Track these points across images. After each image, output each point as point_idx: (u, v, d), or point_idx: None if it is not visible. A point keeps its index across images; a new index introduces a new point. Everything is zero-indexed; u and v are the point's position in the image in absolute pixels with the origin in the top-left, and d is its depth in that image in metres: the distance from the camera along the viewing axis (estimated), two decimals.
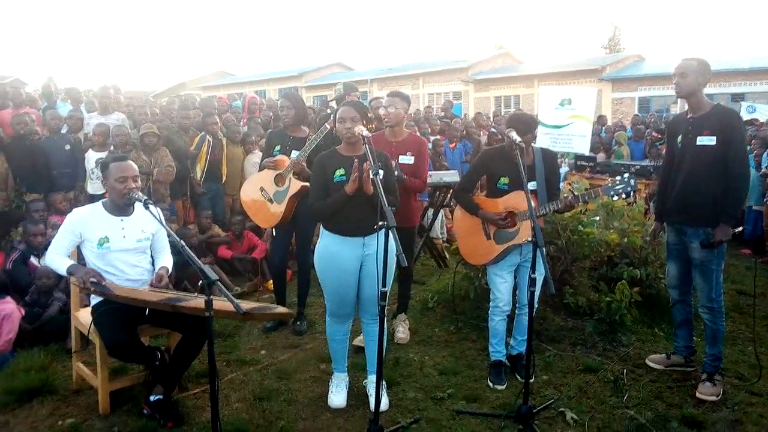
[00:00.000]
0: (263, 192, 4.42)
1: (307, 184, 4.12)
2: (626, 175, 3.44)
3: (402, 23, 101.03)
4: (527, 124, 3.54)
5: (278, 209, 4.33)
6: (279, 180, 4.34)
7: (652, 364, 3.83)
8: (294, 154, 4.28)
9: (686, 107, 3.57)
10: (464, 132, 9.04)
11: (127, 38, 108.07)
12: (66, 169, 5.73)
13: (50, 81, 8.38)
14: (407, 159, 4.05)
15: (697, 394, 3.42)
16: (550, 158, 3.69)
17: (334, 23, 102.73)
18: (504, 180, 3.60)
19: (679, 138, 3.52)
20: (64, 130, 6.13)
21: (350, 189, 3.09)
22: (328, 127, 4.16)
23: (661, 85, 23.38)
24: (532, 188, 3.46)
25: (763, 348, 4.15)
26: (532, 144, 3.66)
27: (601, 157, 9.29)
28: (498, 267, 3.63)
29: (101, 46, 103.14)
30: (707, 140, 3.35)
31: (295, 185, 4.25)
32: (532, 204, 3.14)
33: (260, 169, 4.57)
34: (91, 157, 5.71)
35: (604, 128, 11.86)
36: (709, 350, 3.51)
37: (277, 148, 4.42)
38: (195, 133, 6.33)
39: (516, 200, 3.53)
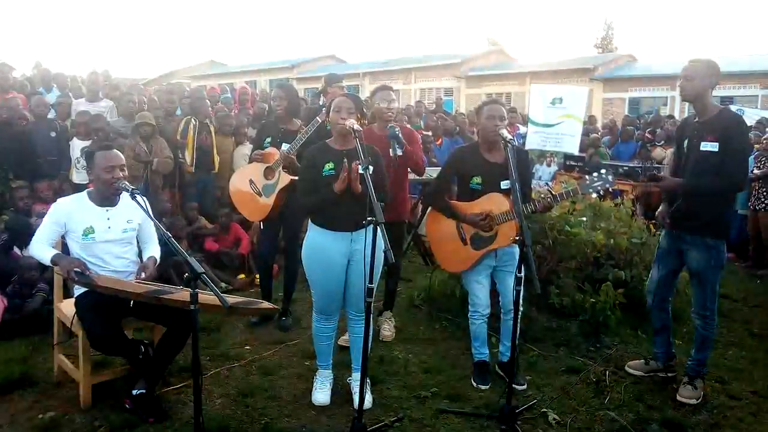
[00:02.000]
0: (252, 185, 4.39)
1: (296, 177, 4.10)
2: (603, 171, 3.34)
3: (396, 16, 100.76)
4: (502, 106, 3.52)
5: (267, 202, 4.30)
6: (268, 173, 4.31)
7: (631, 371, 3.80)
8: (284, 146, 4.25)
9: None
10: (457, 129, 9.07)
11: (116, 24, 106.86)
12: (51, 157, 5.66)
13: (38, 66, 8.26)
14: (397, 151, 4.03)
15: (678, 397, 3.45)
16: (522, 157, 3.58)
17: (328, 15, 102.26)
18: (477, 180, 3.52)
19: (686, 142, 3.43)
20: (51, 116, 6.05)
21: (338, 188, 3.07)
22: (320, 120, 4.15)
23: (652, 86, 23.52)
24: (507, 187, 3.36)
25: (744, 351, 4.21)
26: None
27: (590, 152, 9.34)
28: (475, 272, 3.59)
29: (90, 32, 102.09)
30: (710, 146, 3.23)
31: (284, 179, 4.22)
32: (518, 203, 3.06)
33: (249, 162, 4.54)
34: (76, 146, 5.63)
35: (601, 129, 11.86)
36: (695, 354, 3.53)
37: (268, 140, 4.39)
38: (181, 119, 6.28)
39: (492, 202, 3.46)
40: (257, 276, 5.28)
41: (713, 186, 3.26)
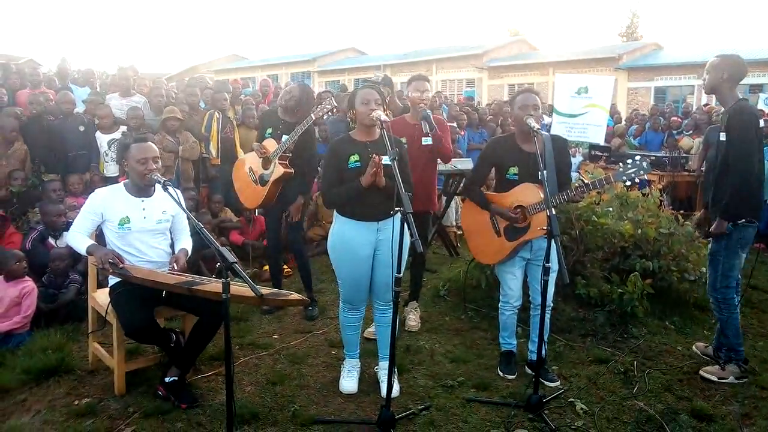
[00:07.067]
0: (251, 172, 4.52)
1: (291, 170, 4.28)
2: (637, 157, 3.28)
3: (417, 7, 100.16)
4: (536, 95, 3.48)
5: (261, 191, 4.42)
6: (266, 163, 4.41)
7: (694, 348, 4.00)
8: (284, 138, 4.32)
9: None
10: (478, 120, 9.02)
11: (139, 20, 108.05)
12: (81, 151, 5.75)
13: (64, 62, 8.34)
14: (428, 140, 4.04)
15: (701, 372, 3.59)
16: (560, 145, 3.55)
17: (348, 7, 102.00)
18: (513, 170, 3.50)
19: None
20: (78, 110, 6.14)
21: (366, 182, 3.08)
22: (314, 117, 4.31)
23: (678, 74, 23.07)
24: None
25: None
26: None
27: (617, 142, 9.22)
28: (509, 264, 3.57)
29: (114, 28, 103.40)
30: (723, 136, 3.43)
31: (278, 171, 4.31)
32: (547, 193, 3.05)
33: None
34: (102, 139, 5.73)
35: (625, 120, 11.67)
36: (721, 339, 3.63)
37: (269, 131, 4.49)
38: (204, 113, 6.35)
39: (524, 193, 3.43)
40: (286, 267, 5.35)
41: (733, 192, 3.35)
